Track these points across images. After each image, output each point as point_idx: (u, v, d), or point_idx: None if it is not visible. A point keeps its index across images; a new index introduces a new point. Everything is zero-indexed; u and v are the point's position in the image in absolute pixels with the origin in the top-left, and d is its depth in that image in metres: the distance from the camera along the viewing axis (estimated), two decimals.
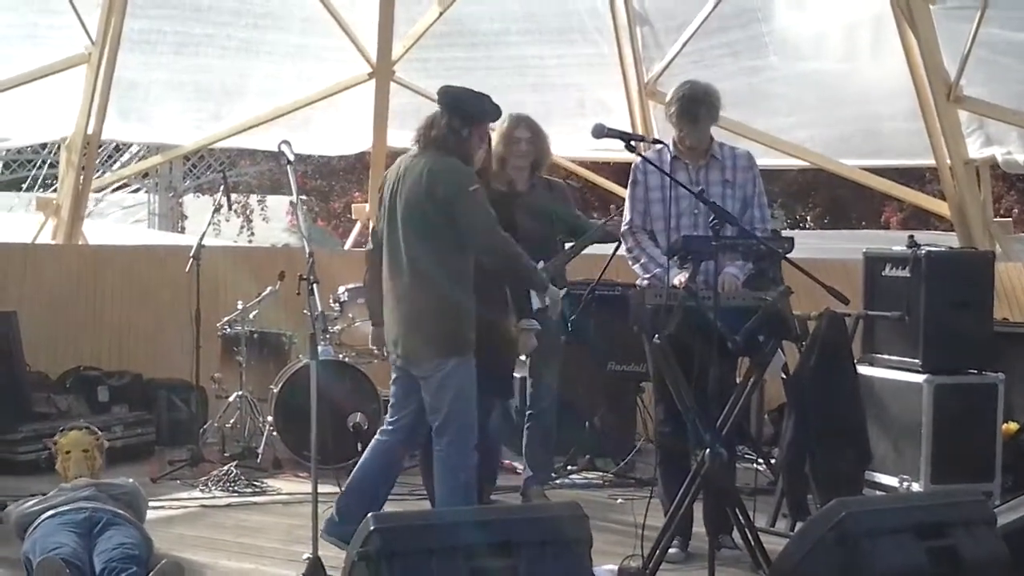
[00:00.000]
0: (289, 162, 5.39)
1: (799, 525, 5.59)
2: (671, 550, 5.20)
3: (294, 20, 9.62)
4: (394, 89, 9.77)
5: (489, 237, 5.08)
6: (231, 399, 7.57)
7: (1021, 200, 20.33)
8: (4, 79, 8.78)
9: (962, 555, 4.26)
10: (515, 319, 5.75)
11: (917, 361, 6.32)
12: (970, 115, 9.00)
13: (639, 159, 5.47)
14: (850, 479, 5.93)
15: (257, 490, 6.71)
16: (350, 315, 7.37)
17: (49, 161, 19.77)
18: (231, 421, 7.55)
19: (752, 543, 5.07)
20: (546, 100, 10.14)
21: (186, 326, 7.39)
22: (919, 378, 6.25)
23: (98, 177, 11.71)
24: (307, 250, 5.12)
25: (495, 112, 5.34)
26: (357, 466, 5.42)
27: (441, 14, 9.60)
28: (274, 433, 7.25)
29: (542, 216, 6.21)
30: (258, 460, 7.21)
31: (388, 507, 5.50)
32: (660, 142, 5.55)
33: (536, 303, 5.92)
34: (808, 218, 26.35)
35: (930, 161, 9.39)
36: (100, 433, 5.80)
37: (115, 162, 19.34)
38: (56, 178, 11.00)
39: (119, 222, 21.10)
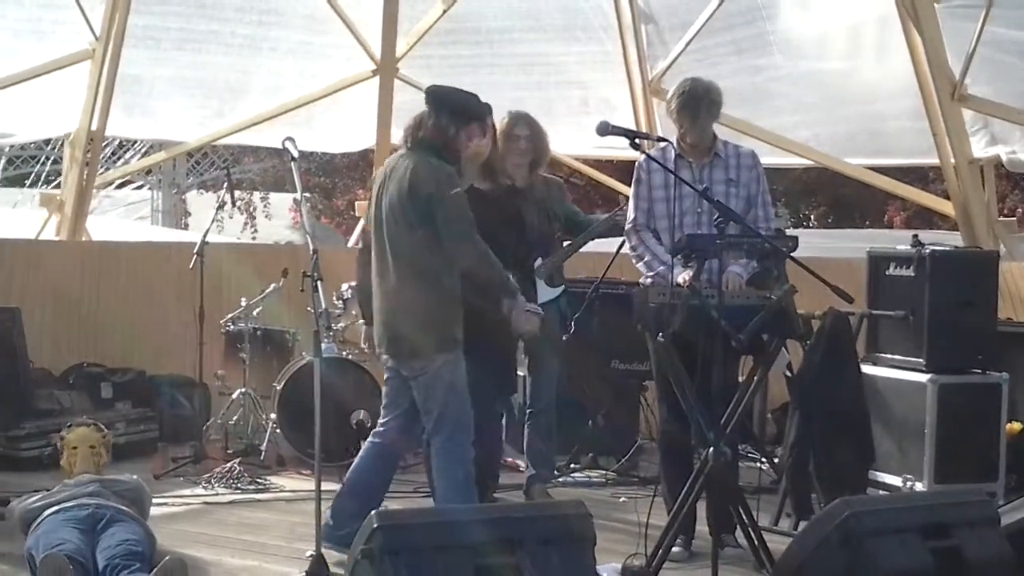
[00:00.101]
0: (293, 159, 5.39)
1: (802, 524, 5.58)
2: (674, 549, 5.19)
3: (298, 17, 9.62)
4: (398, 86, 9.76)
5: (464, 240, 5.09)
6: (234, 396, 7.56)
7: None
8: (8, 75, 8.78)
9: (966, 555, 4.25)
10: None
11: (921, 360, 6.31)
12: (974, 114, 8.98)
13: (643, 157, 5.47)
14: (854, 478, 5.93)
15: (260, 487, 6.71)
16: (353, 312, 7.36)
17: (53, 157, 19.79)
18: (234, 418, 7.55)
19: (755, 542, 5.06)
20: (550, 98, 10.16)
21: (190, 323, 7.40)
22: (923, 377, 6.25)
23: (102, 173, 11.69)
24: (311, 247, 5.12)
25: (483, 110, 5.34)
26: (351, 469, 5.40)
27: (445, 11, 9.60)
28: (277, 430, 7.25)
29: (541, 213, 6.21)
30: (261, 457, 7.21)
31: (392, 505, 5.50)
32: (665, 140, 5.54)
33: (541, 296, 5.93)
34: (812, 217, 26.32)
35: (934, 160, 9.38)
36: (107, 431, 5.81)
37: (119, 159, 19.35)
38: (60, 174, 11.00)
39: (122, 219, 21.10)
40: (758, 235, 5.08)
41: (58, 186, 10.82)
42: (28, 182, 21.64)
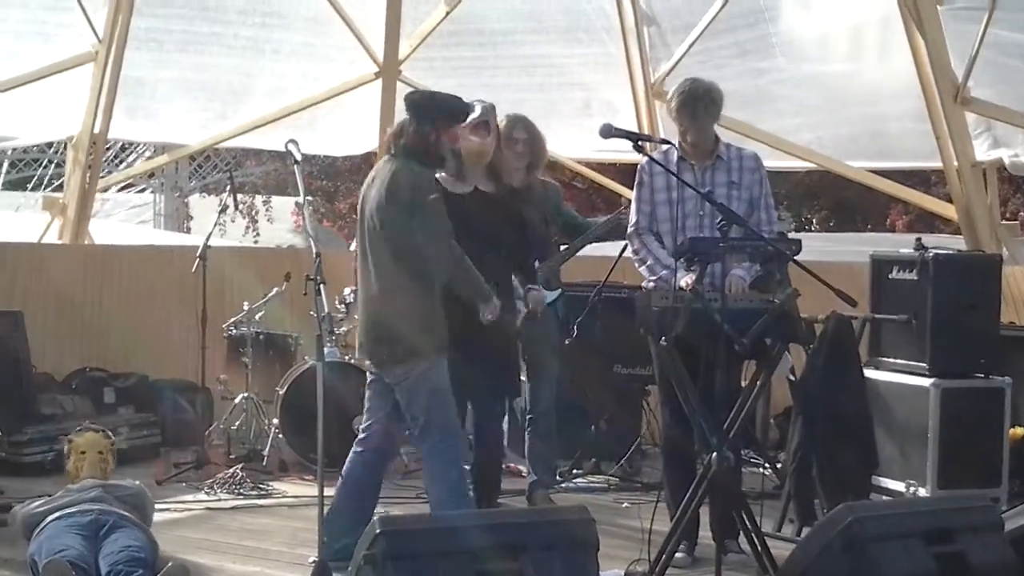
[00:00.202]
0: (296, 161, 5.38)
1: (806, 530, 5.58)
2: (677, 555, 5.18)
3: (300, 19, 9.61)
4: (401, 89, 9.73)
5: (440, 246, 5.11)
6: (237, 401, 7.55)
7: None
8: (11, 77, 8.77)
9: (970, 561, 4.25)
10: (511, 314, 5.71)
11: (924, 365, 6.30)
12: (977, 117, 8.98)
13: (645, 160, 5.47)
14: (857, 483, 5.91)
15: (262, 493, 6.70)
16: (356, 316, 7.35)
17: (55, 161, 19.80)
18: (237, 423, 7.54)
19: (758, 548, 5.04)
20: (552, 100, 10.16)
21: (192, 327, 7.40)
22: (926, 382, 6.23)
23: (104, 177, 11.69)
24: (314, 250, 5.12)
25: (461, 111, 5.35)
26: (340, 482, 5.36)
27: (448, 13, 9.59)
28: (280, 435, 7.24)
29: (538, 216, 6.21)
30: (264, 462, 7.20)
31: (394, 510, 5.49)
32: (668, 142, 5.54)
33: (521, 306, 5.92)
34: (813, 221, 26.31)
35: (937, 163, 9.38)
36: (114, 438, 5.82)
37: (121, 162, 19.36)
38: (62, 178, 11.00)
39: (125, 222, 21.10)
40: (761, 238, 5.08)
41: (61, 189, 10.80)
42: (31, 185, 21.64)
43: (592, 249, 6.82)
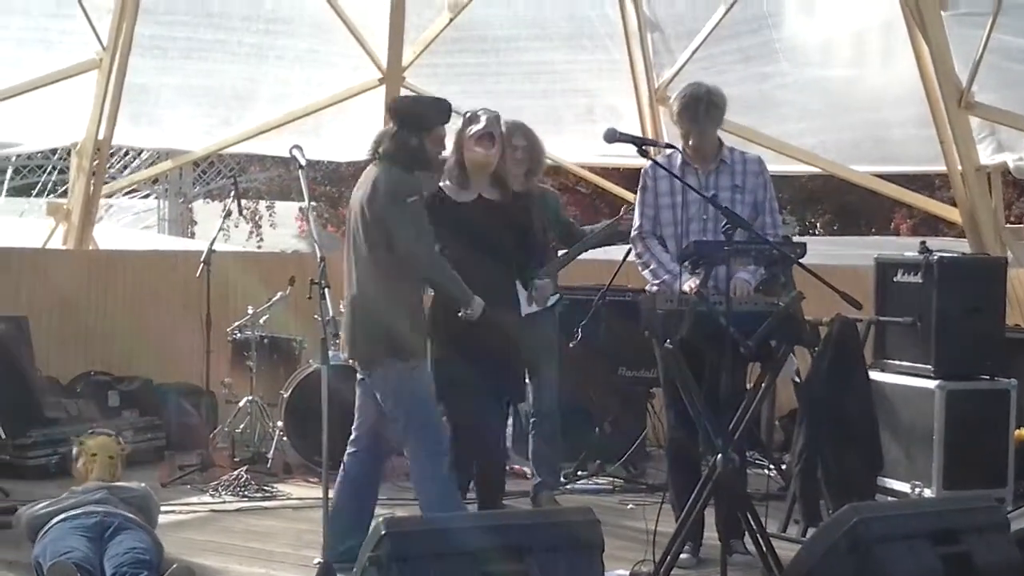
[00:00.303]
0: (301, 167, 5.39)
1: (811, 531, 5.58)
2: (682, 556, 5.18)
3: (304, 26, 9.62)
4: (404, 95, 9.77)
5: (417, 248, 5.16)
6: (241, 404, 7.56)
7: None
8: (16, 84, 8.79)
9: (976, 561, 4.25)
10: (512, 318, 5.71)
11: (929, 367, 6.30)
12: (981, 121, 8.97)
13: (649, 164, 5.47)
14: (862, 485, 5.92)
15: (267, 495, 6.71)
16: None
17: (59, 167, 19.83)
18: (241, 426, 7.54)
19: (764, 549, 5.04)
20: (556, 106, 10.17)
21: (196, 331, 7.41)
22: (931, 384, 6.23)
23: (108, 183, 11.71)
24: (319, 254, 5.14)
25: (443, 115, 5.39)
26: (336, 486, 5.35)
27: (452, 20, 9.59)
28: (284, 438, 7.25)
29: (536, 222, 6.21)
30: (268, 465, 7.20)
31: (399, 512, 5.49)
32: (672, 147, 5.54)
33: (524, 307, 5.94)
34: (817, 225, 26.31)
35: (941, 167, 9.36)
36: (125, 444, 5.84)
37: (126, 168, 19.39)
38: (66, 184, 11.01)
39: (129, 228, 21.13)
40: (766, 242, 5.08)
41: (65, 195, 10.81)
42: (35, 191, 21.68)
43: (596, 253, 6.83)
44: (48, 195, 20.22)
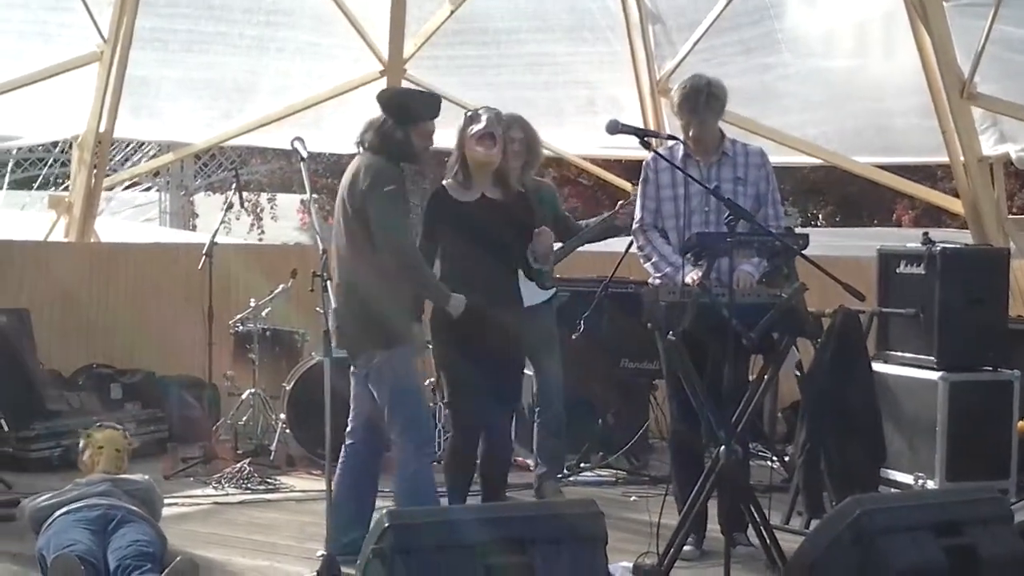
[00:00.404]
0: (302, 159, 5.40)
1: (814, 523, 5.59)
2: (686, 547, 5.18)
3: (305, 18, 9.60)
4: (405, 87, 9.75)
5: (390, 238, 5.15)
6: (244, 396, 7.56)
7: None
8: (16, 77, 8.77)
9: (980, 553, 4.24)
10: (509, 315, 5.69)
11: (932, 358, 6.30)
12: (984, 112, 8.96)
13: (651, 156, 5.46)
14: (865, 477, 5.92)
15: (270, 487, 6.72)
16: None
17: (61, 160, 19.80)
18: (244, 418, 7.54)
19: (767, 541, 5.05)
20: (557, 98, 10.16)
21: (198, 324, 7.42)
22: (934, 375, 6.24)
23: (110, 175, 11.69)
24: (320, 247, 5.14)
25: (432, 110, 5.40)
26: (336, 479, 5.33)
27: (453, 12, 9.57)
28: (287, 430, 7.25)
29: (540, 221, 6.21)
30: (271, 457, 7.21)
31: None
32: (674, 138, 5.53)
33: (535, 297, 5.93)
34: (819, 216, 26.31)
35: (943, 158, 9.35)
36: (131, 439, 5.85)
37: (127, 160, 19.37)
38: (68, 177, 11.00)
39: (131, 220, 21.11)
40: (769, 233, 5.07)
41: (66, 188, 10.80)
42: (36, 184, 21.65)
43: (599, 245, 6.82)
44: (49, 188, 20.19)
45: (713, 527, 5.37)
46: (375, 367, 5.21)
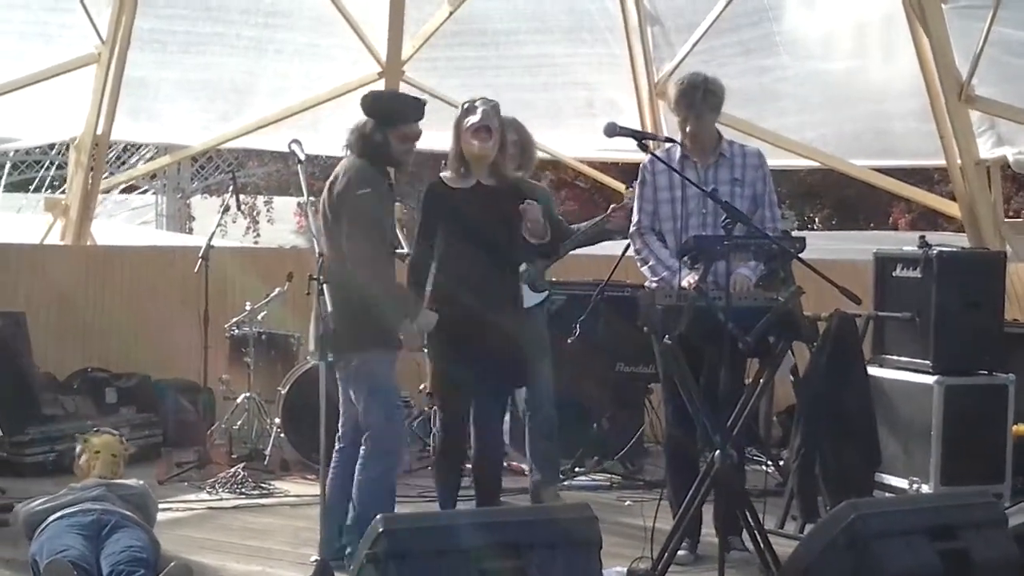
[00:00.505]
0: (300, 161, 5.38)
1: (809, 527, 5.57)
2: (680, 552, 5.16)
3: (303, 19, 9.59)
4: (404, 90, 9.73)
5: (352, 244, 5.15)
6: (239, 400, 7.55)
7: None
8: (14, 79, 8.76)
9: (973, 557, 4.24)
10: (510, 314, 5.68)
11: (927, 362, 6.29)
12: (981, 115, 8.96)
13: (648, 158, 5.45)
14: (860, 481, 5.91)
15: (264, 492, 6.70)
16: None
17: (57, 163, 19.80)
18: (239, 423, 7.53)
19: (761, 545, 5.03)
20: (556, 99, 10.15)
21: (194, 327, 7.39)
22: (929, 379, 6.23)
23: (107, 178, 11.67)
24: (317, 250, 5.12)
25: (414, 113, 5.39)
26: (328, 483, 5.25)
27: (451, 13, 9.57)
28: (281, 435, 7.24)
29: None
30: (265, 462, 7.20)
31: (397, 509, 5.47)
32: (672, 140, 5.52)
33: (527, 300, 5.92)
34: (816, 219, 26.31)
35: (940, 161, 9.36)
36: (128, 444, 5.85)
37: (123, 163, 19.36)
38: (64, 179, 10.99)
39: (127, 223, 21.10)
40: (766, 236, 5.06)
41: (63, 191, 10.79)
42: (33, 187, 21.64)
43: (595, 248, 6.81)
44: (46, 191, 20.18)
45: (708, 531, 5.37)
46: (352, 369, 5.22)
